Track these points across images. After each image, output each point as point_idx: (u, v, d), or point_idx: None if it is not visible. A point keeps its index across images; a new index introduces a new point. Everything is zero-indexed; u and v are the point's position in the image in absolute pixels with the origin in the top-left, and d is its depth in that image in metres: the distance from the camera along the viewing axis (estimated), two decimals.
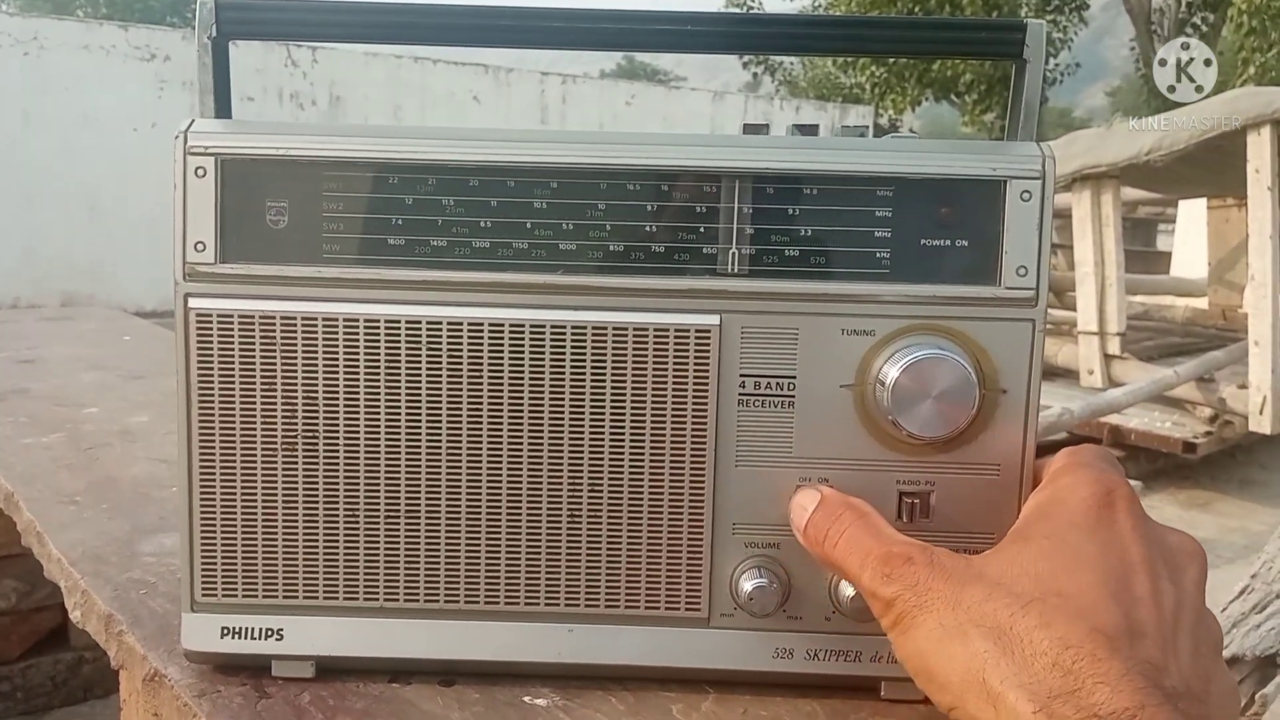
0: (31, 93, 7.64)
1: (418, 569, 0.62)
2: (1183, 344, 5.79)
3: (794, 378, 0.60)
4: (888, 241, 0.59)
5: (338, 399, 0.60)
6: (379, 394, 0.60)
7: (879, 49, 0.63)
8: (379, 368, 0.60)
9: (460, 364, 0.60)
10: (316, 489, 0.61)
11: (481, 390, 0.60)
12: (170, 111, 8.06)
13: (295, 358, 0.60)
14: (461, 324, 0.60)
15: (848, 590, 0.60)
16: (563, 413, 0.60)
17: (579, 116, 9.98)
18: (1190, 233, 7.74)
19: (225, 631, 0.63)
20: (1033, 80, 0.60)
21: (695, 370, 0.60)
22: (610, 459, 0.60)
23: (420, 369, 0.60)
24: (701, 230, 0.59)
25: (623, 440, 0.60)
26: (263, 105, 8.37)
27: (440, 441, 0.61)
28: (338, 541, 0.62)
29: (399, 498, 0.61)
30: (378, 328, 0.60)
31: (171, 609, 0.75)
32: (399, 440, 0.61)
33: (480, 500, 0.61)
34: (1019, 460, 0.60)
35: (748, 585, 0.60)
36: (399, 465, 0.61)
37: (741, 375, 0.60)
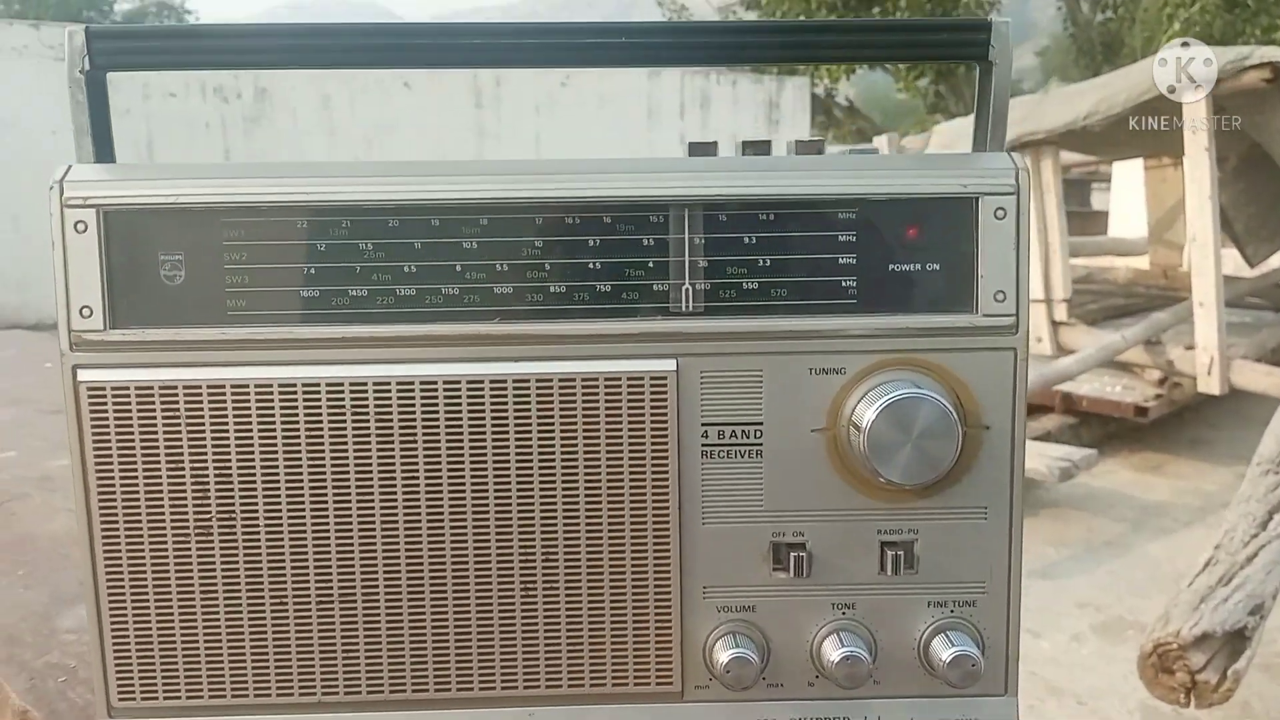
0: None
1: (357, 658, 0.56)
2: (1126, 305, 5.85)
3: (760, 424, 0.55)
4: (853, 269, 0.54)
5: (254, 475, 0.54)
6: (300, 467, 0.54)
7: (835, 56, 0.58)
8: (298, 438, 0.54)
9: (390, 429, 0.54)
10: (237, 576, 0.55)
11: (416, 457, 0.54)
12: None
13: (203, 431, 0.54)
14: (389, 384, 0.54)
15: (832, 653, 0.55)
16: (509, 477, 0.54)
17: (514, 97, 9.81)
18: (1126, 191, 7.84)
19: None
20: (1000, 83, 0.56)
21: (652, 421, 0.54)
22: (565, 524, 0.55)
23: (345, 437, 0.54)
24: (650, 265, 0.54)
25: (577, 503, 0.55)
26: (185, 101, 8.11)
27: (373, 517, 0.54)
28: (265, 633, 0.55)
29: (330, 580, 0.55)
30: (294, 394, 0.53)
31: (94, 699, 0.68)
32: (326, 517, 0.54)
33: (423, 577, 0.55)
34: (1007, 500, 0.55)
35: (724, 656, 0.55)
36: (328, 545, 0.55)
37: (703, 424, 0.55)
